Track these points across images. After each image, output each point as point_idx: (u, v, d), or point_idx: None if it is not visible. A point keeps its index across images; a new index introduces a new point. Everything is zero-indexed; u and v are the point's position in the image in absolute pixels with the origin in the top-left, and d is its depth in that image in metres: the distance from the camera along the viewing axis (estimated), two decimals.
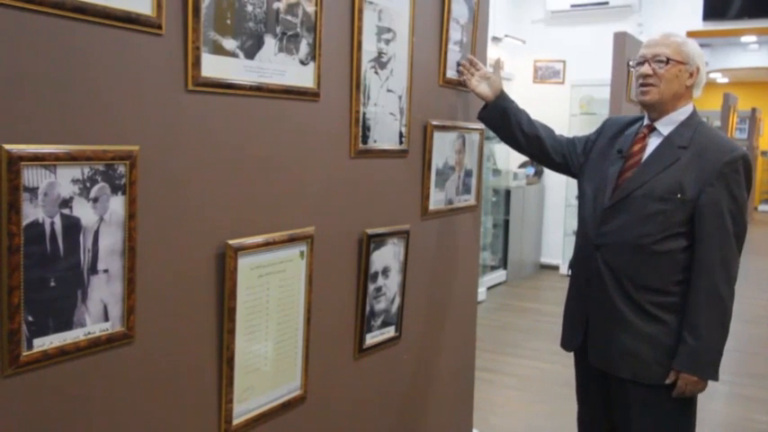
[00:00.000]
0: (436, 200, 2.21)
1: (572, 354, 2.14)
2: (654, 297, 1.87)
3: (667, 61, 1.86)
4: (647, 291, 1.88)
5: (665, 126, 1.93)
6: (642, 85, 1.90)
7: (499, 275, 6.42)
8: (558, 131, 2.30)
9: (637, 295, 1.88)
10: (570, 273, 2.15)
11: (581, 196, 2.08)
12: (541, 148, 2.17)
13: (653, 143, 1.94)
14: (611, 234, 1.92)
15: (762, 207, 14.28)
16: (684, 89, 1.91)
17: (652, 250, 1.85)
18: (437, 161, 2.18)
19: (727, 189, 1.81)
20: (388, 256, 1.97)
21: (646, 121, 1.99)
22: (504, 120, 2.15)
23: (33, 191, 1.08)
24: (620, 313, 1.89)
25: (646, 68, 1.89)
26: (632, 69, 1.96)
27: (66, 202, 1.13)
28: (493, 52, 5.75)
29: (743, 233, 1.86)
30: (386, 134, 1.93)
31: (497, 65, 2.22)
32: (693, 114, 1.93)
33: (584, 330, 2.01)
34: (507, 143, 2.24)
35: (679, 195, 1.83)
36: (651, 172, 1.88)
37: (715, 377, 1.84)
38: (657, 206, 1.85)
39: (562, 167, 2.21)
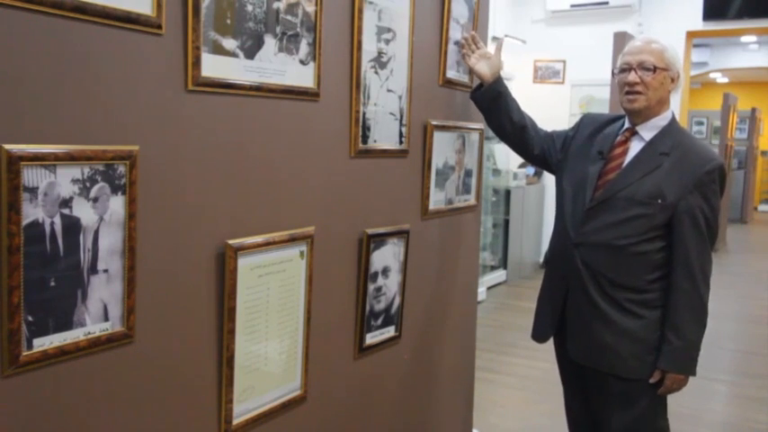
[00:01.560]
0: (436, 200, 2.21)
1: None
2: (630, 295, 1.94)
3: (654, 69, 1.90)
4: (624, 289, 1.94)
5: (648, 131, 1.97)
6: (629, 93, 1.94)
7: (499, 275, 6.42)
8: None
9: (614, 292, 1.94)
10: (545, 267, 2.20)
11: (560, 193, 2.11)
12: (525, 139, 2.20)
13: (635, 147, 1.98)
14: (590, 234, 1.97)
15: (762, 207, 14.27)
16: (667, 94, 1.97)
17: (629, 251, 1.91)
18: (437, 161, 2.18)
19: (704, 197, 1.89)
20: (388, 256, 1.97)
21: (627, 125, 2.02)
22: (496, 104, 2.17)
23: (33, 191, 1.08)
24: (599, 309, 1.95)
25: (633, 77, 1.92)
26: (616, 76, 2.00)
27: (66, 202, 1.13)
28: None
29: (715, 237, 1.95)
30: (386, 134, 1.93)
31: (499, 45, 2.22)
32: (673, 120, 1.99)
33: (555, 325, 2.08)
34: (492, 127, 2.25)
35: (660, 201, 1.88)
36: (634, 176, 1.93)
37: (695, 372, 1.94)
38: (638, 210, 1.90)
39: (539, 160, 2.24)
